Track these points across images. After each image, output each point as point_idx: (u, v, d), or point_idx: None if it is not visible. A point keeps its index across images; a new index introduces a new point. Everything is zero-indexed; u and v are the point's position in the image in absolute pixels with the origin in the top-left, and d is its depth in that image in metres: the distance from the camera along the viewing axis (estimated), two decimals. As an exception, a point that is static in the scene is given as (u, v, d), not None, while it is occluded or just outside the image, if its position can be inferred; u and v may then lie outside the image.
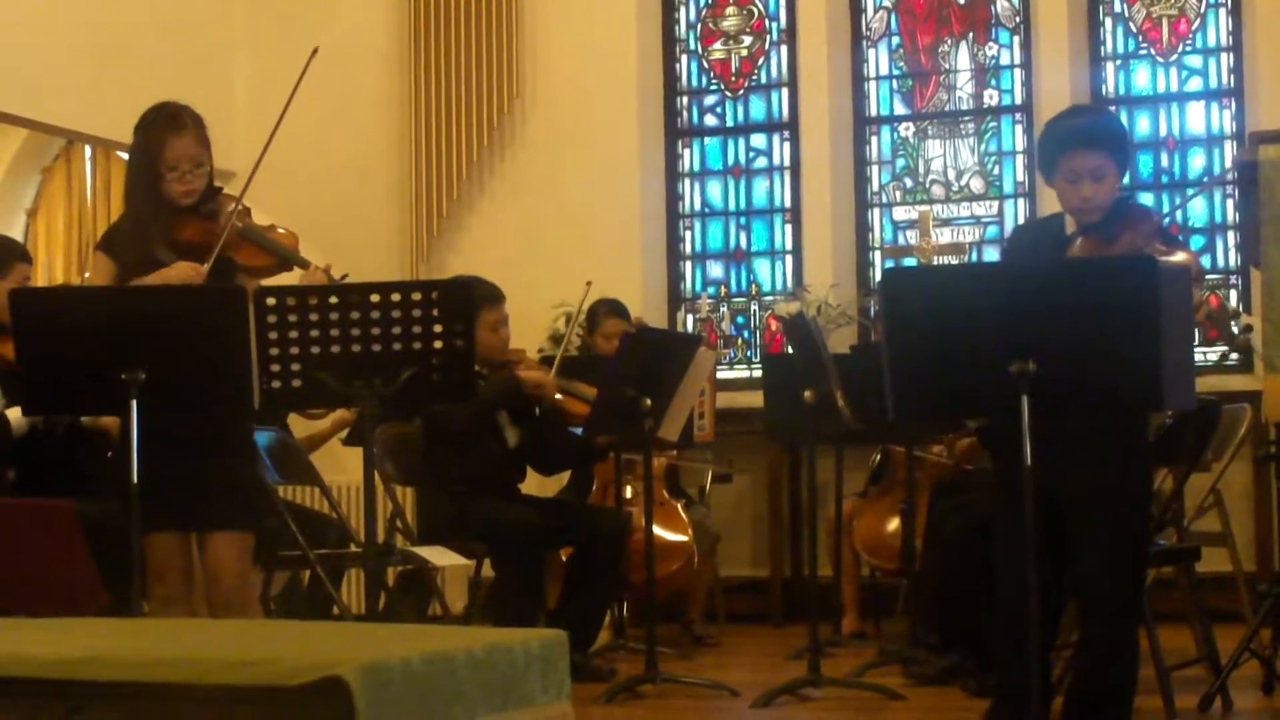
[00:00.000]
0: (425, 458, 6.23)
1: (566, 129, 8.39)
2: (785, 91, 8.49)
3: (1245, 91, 7.79)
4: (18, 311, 4.25)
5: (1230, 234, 7.80)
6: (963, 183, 8.28)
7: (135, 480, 4.14)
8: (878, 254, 8.29)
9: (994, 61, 8.25)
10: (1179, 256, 4.05)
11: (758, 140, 8.55)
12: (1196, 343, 7.50)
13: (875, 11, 8.39)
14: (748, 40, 8.58)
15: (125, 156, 9.33)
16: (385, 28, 8.62)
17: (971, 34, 8.28)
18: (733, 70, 8.59)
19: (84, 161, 10.26)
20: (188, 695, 2.58)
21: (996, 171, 8.23)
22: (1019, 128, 8.18)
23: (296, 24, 8.66)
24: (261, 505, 4.98)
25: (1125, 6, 8.06)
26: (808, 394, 5.45)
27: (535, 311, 7.80)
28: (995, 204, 8.22)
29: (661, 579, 6.42)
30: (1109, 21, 8.08)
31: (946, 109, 8.32)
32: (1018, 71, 8.20)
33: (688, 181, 8.61)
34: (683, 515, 6.99)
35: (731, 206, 8.57)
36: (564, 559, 6.44)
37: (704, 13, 8.63)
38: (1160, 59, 8.01)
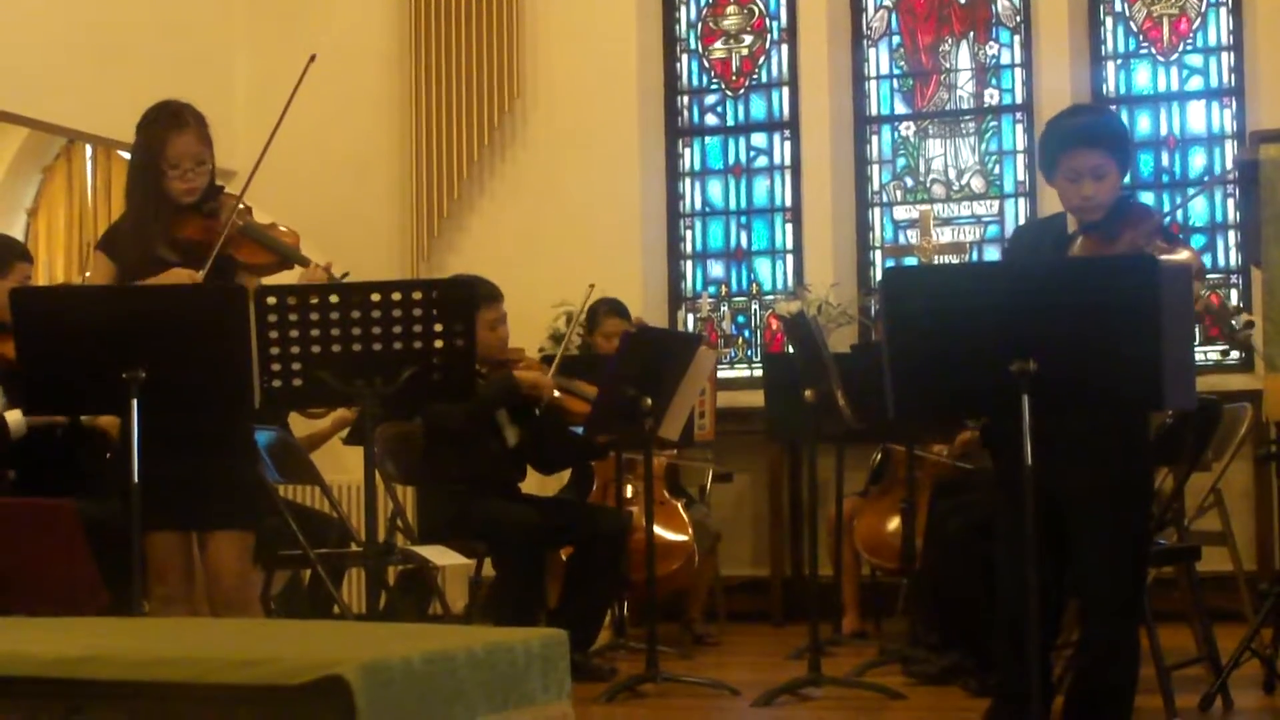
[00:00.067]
0: (425, 457, 6.23)
1: (567, 128, 8.40)
2: (786, 91, 8.49)
3: (1246, 91, 7.79)
4: (18, 310, 4.25)
5: (1231, 233, 7.80)
6: (963, 182, 8.28)
7: (136, 479, 4.13)
8: (878, 253, 8.29)
9: (995, 61, 8.25)
10: (1181, 255, 4.05)
11: (758, 139, 8.55)
12: (1197, 342, 7.53)
13: (876, 11, 8.39)
14: (748, 39, 8.58)
15: (126, 156, 9.35)
16: (385, 27, 8.62)
17: (972, 33, 8.28)
18: (733, 69, 8.59)
19: (84, 161, 10.26)
20: (188, 695, 2.58)
21: (997, 171, 8.23)
22: (1019, 127, 8.18)
23: (297, 23, 8.67)
24: (262, 504, 4.99)
25: (1126, 6, 8.06)
26: (808, 393, 5.45)
27: (536, 311, 7.80)
28: (996, 203, 8.22)
29: (662, 578, 6.42)
30: (1110, 21, 8.08)
31: (947, 108, 8.32)
32: (1018, 71, 8.20)
33: (688, 181, 8.61)
34: (683, 514, 6.99)
35: (732, 206, 8.57)
36: (564, 558, 6.44)
37: (704, 12, 8.63)
38: (1161, 58, 8.01)
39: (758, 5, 8.56)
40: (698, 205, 8.60)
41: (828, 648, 6.17)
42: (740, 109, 8.59)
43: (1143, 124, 7.95)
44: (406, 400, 5.06)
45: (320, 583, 6.02)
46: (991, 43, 8.25)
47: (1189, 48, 7.98)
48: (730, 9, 8.59)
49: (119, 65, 7.71)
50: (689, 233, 8.61)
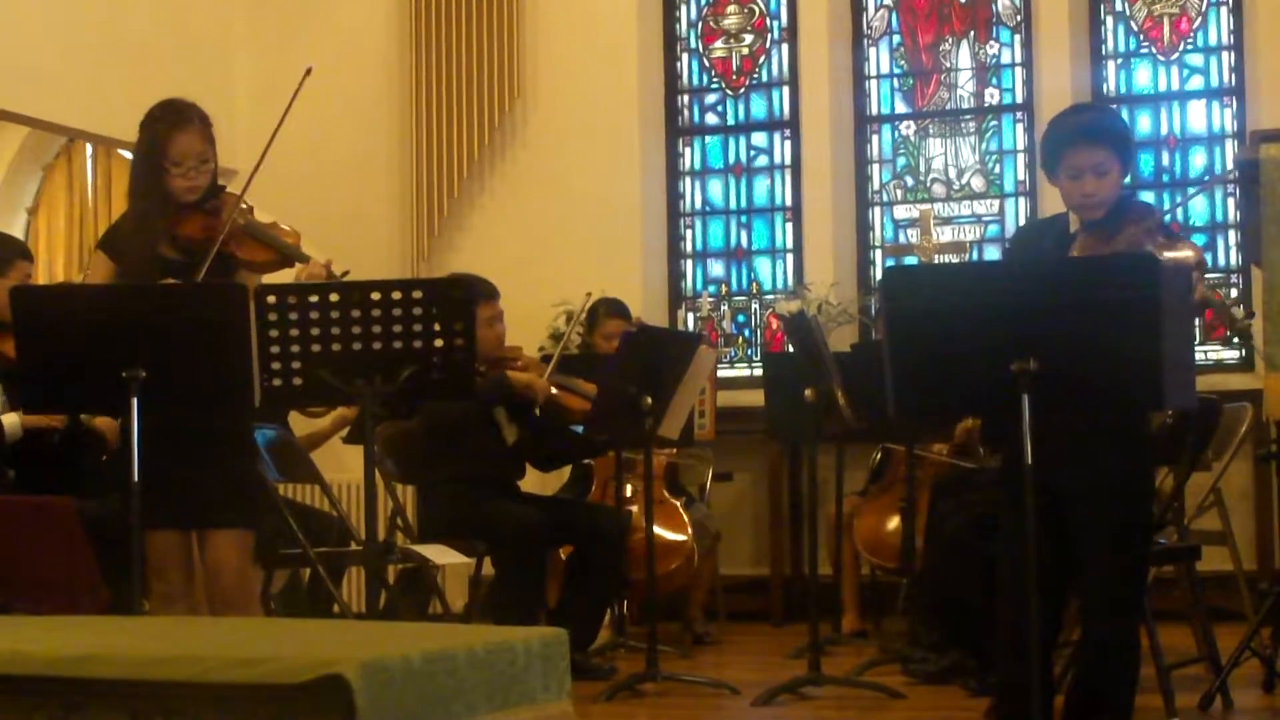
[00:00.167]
0: (424, 455, 6.23)
1: (567, 128, 8.39)
2: (786, 90, 8.49)
3: (1246, 90, 7.79)
4: (19, 309, 4.25)
5: (1231, 233, 7.80)
6: (963, 181, 8.27)
7: (136, 478, 4.13)
8: (878, 252, 8.28)
9: (995, 60, 8.25)
10: (1183, 252, 4.05)
11: (759, 139, 8.55)
12: (1198, 341, 7.53)
13: (876, 10, 8.39)
14: (749, 39, 8.58)
15: (126, 155, 9.37)
16: (386, 27, 8.62)
17: (973, 32, 8.28)
18: (734, 69, 8.59)
19: (85, 159, 10.25)
20: (188, 693, 2.58)
21: (997, 170, 8.23)
22: (1020, 126, 8.18)
23: (297, 22, 8.67)
24: (262, 503, 4.98)
25: (1126, 5, 8.05)
26: (808, 392, 5.45)
27: (536, 310, 7.80)
28: (996, 203, 8.22)
29: (661, 577, 6.41)
30: (1110, 20, 8.08)
31: (947, 108, 8.31)
32: (1019, 70, 8.19)
33: (689, 180, 8.61)
34: (682, 514, 6.99)
35: (732, 205, 8.56)
36: (564, 557, 6.44)
37: (705, 11, 8.63)
38: (1161, 58, 8.00)
39: (758, 4, 8.55)
40: (698, 204, 8.60)
41: (827, 647, 6.17)
42: (740, 108, 8.59)
43: (1143, 123, 7.95)
44: (405, 399, 5.06)
45: (320, 582, 6.02)
46: (992, 42, 8.25)
47: (1189, 47, 7.97)
48: (730, 8, 8.59)
49: (119, 64, 7.71)
50: (689, 232, 8.61)
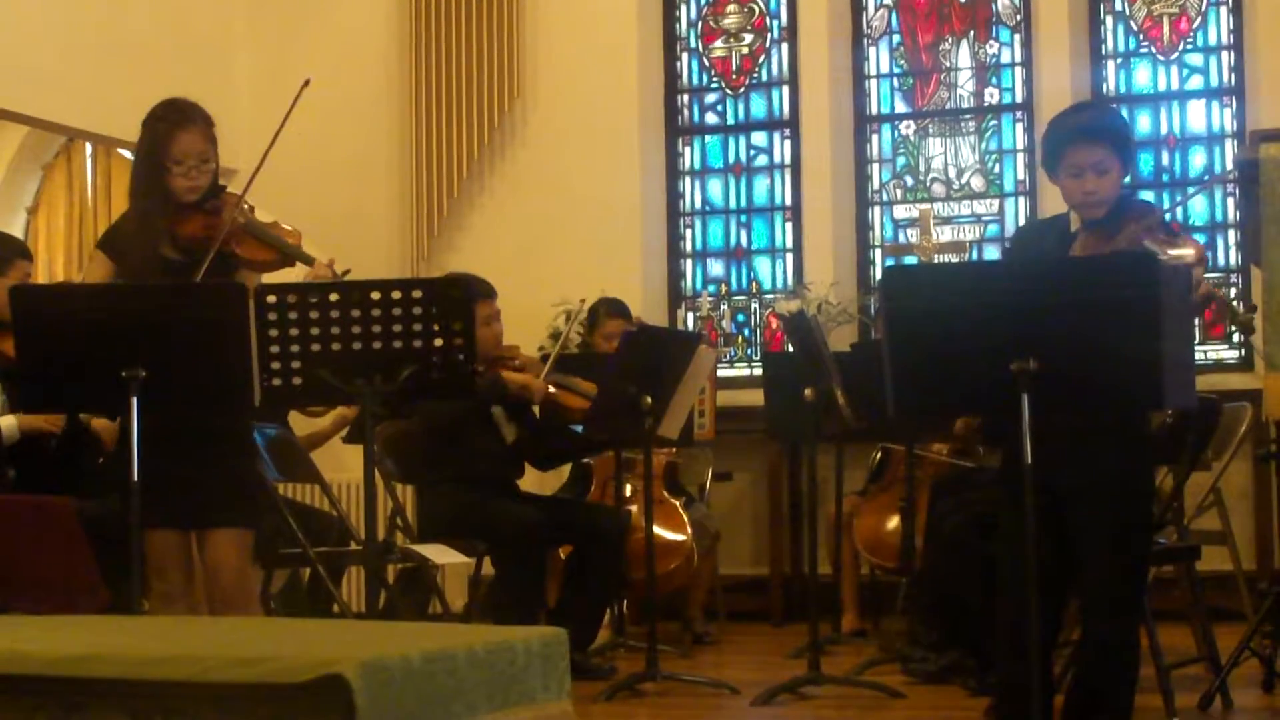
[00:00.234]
0: (423, 455, 6.23)
1: (567, 127, 8.39)
2: (786, 89, 8.49)
3: (1246, 90, 7.79)
4: (19, 308, 4.25)
5: (1231, 232, 7.80)
6: (963, 181, 8.27)
7: (136, 478, 4.13)
8: (878, 252, 8.28)
9: (995, 60, 8.25)
10: (1184, 250, 4.06)
11: (758, 138, 8.55)
12: (1198, 340, 7.52)
13: (876, 9, 8.39)
14: (748, 38, 8.58)
15: (126, 154, 9.37)
16: (386, 27, 8.62)
17: (972, 32, 8.28)
18: (733, 68, 8.59)
19: (85, 159, 10.25)
20: (188, 693, 2.58)
21: (997, 170, 8.23)
22: (1020, 126, 8.18)
23: (297, 22, 8.67)
24: (261, 503, 4.99)
25: (1126, 5, 8.05)
26: (808, 392, 5.45)
27: (536, 309, 7.80)
28: (996, 202, 8.22)
29: (661, 577, 6.42)
30: (1110, 20, 8.07)
31: (947, 107, 8.31)
32: (1018, 70, 8.19)
33: (688, 179, 8.61)
34: (681, 514, 6.99)
35: (732, 204, 8.56)
36: (563, 557, 6.44)
37: (705, 10, 8.63)
38: (1161, 57, 8.00)
39: (758, 4, 8.55)
40: (698, 204, 8.60)
41: (827, 646, 6.17)
42: (740, 108, 8.58)
43: (1143, 123, 7.95)
44: (404, 398, 5.06)
45: (320, 581, 6.02)
46: (992, 41, 8.25)
47: (1189, 47, 7.97)
48: (730, 8, 8.59)
49: (119, 64, 7.71)
50: (689, 231, 8.60)
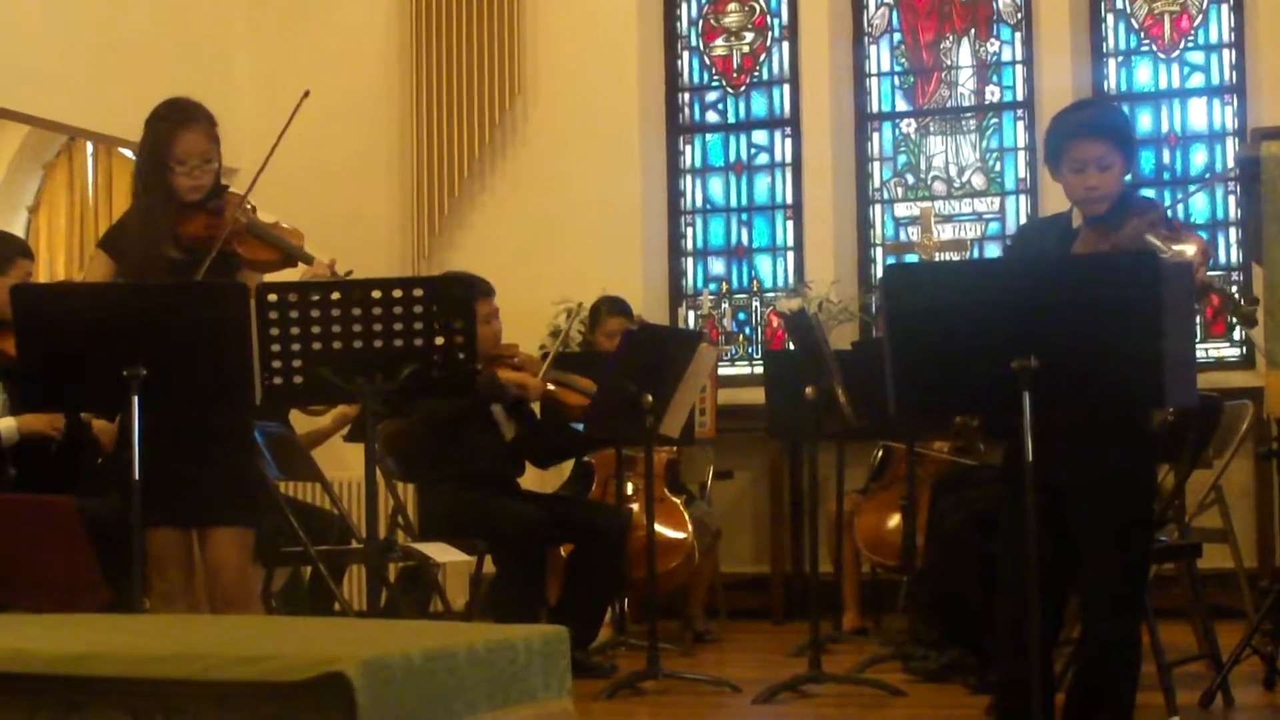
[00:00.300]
0: (424, 453, 6.23)
1: (568, 125, 8.39)
2: (787, 88, 8.49)
3: (1247, 87, 7.79)
4: (19, 307, 4.26)
5: (1232, 230, 7.80)
6: (964, 179, 8.27)
7: (137, 476, 4.13)
8: (879, 250, 8.28)
9: (996, 58, 8.25)
10: (1186, 246, 4.06)
11: (759, 136, 8.55)
12: (1199, 338, 7.52)
13: (877, 8, 8.39)
14: (749, 36, 8.57)
15: (127, 153, 9.37)
16: (386, 25, 8.62)
17: (973, 30, 8.28)
18: (734, 66, 8.59)
19: (85, 158, 10.26)
20: (189, 691, 2.58)
21: (998, 168, 8.22)
22: (1020, 124, 8.18)
23: (297, 22, 8.67)
24: (262, 501, 4.99)
25: (1127, 3, 8.05)
26: (809, 390, 5.45)
27: (537, 308, 7.80)
28: (997, 200, 8.22)
29: (662, 575, 6.42)
30: (1111, 18, 8.07)
31: (948, 105, 8.31)
32: (1019, 68, 8.19)
33: (689, 178, 8.61)
34: (683, 512, 6.99)
35: (733, 203, 8.56)
36: (564, 555, 6.44)
37: (706, 9, 8.63)
38: (1162, 55, 8.00)
39: (759, 2, 8.55)
40: (699, 202, 8.60)
41: (828, 644, 6.17)
42: (741, 106, 8.58)
43: (1144, 121, 7.94)
44: (405, 397, 5.06)
45: (321, 580, 6.03)
46: (993, 40, 8.25)
47: (1190, 45, 7.97)
48: (731, 6, 8.59)
49: (119, 63, 7.71)
50: (690, 230, 8.60)
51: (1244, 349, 7.63)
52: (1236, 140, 7.77)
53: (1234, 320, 6.82)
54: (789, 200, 8.45)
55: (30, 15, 7.46)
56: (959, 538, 5.36)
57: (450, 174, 8.47)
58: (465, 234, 8.50)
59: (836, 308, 7.96)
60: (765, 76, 8.55)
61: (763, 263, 8.51)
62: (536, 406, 6.42)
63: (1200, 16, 7.95)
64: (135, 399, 4.11)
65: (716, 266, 8.58)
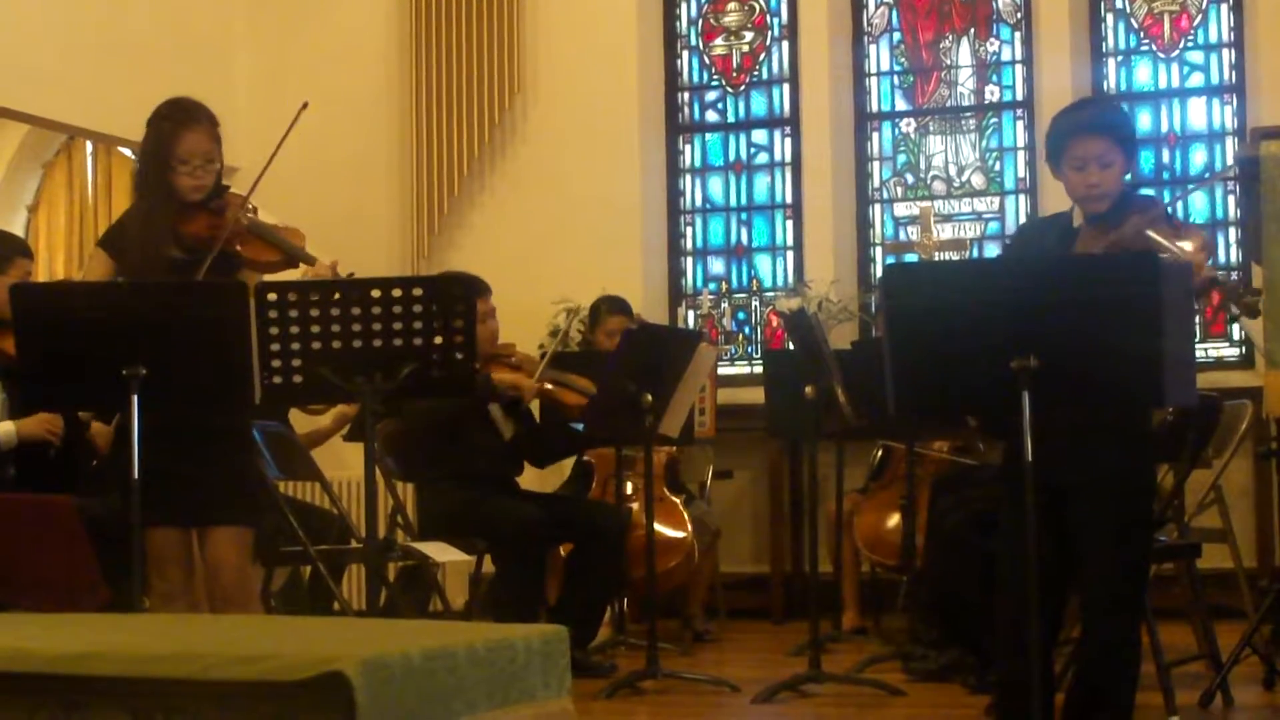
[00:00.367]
0: (424, 453, 6.23)
1: (568, 125, 8.39)
2: (786, 87, 8.49)
3: (1247, 87, 7.79)
4: (19, 307, 4.26)
5: (1231, 230, 7.80)
6: (964, 179, 8.27)
7: (137, 475, 4.13)
8: (879, 250, 8.28)
9: (995, 57, 8.25)
10: (1191, 241, 4.07)
11: (759, 136, 8.55)
12: (1199, 338, 7.52)
13: (876, 7, 8.39)
14: (749, 36, 8.57)
15: (127, 153, 9.37)
16: (386, 24, 8.61)
17: (973, 30, 8.28)
18: (734, 66, 8.59)
19: (85, 157, 10.25)
20: (188, 691, 2.58)
21: (998, 167, 8.23)
22: (1020, 124, 8.18)
23: (297, 22, 8.67)
24: (262, 501, 4.99)
25: (1127, 2, 8.05)
26: (809, 390, 5.45)
27: (537, 307, 7.80)
28: (996, 200, 8.22)
29: (661, 575, 6.42)
30: (1110, 17, 8.07)
31: (948, 105, 8.31)
32: (1019, 67, 8.19)
33: (689, 177, 8.61)
34: (682, 511, 6.99)
35: (733, 202, 8.56)
36: (564, 555, 6.44)
37: (705, 8, 8.63)
38: (1162, 55, 8.00)
39: (758, 2, 8.55)
40: (698, 202, 8.60)
41: (828, 644, 6.18)
42: (741, 105, 8.58)
43: (1143, 121, 7.94)
44: (405, 396, 5.06)
45: (320, 579, 6.02)
46: (992, 39, 8.25)
47: (1190, 44, 7.97)
48: (731, 6, 8.59)
49: (119, 63, 7.71)
50: (689, 229, 8.60)
51: (1243, 349, 7.63)
52: (1236, 140, 7.77)
53: (1236, 311, 6.82)
54: (788, 200, 8.45)
55: (30, 15, 7.46)
56: (959, 537, 5.36)
57: (450, 174, 8.47)
58: (465, 234, 8.50)
59: (836, 307, 7.96)
60: (765, 76, 8.55)
61: (762, 262, 8.51)
62: (536, 406, 6.42)
63: (1200, 16, 7.95)
64: (135, 398, 4.11)
65: (716, 266, 8.58)
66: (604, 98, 8.35)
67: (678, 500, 7.06)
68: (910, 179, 8.35)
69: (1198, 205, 7.85)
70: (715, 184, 8.60)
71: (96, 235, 6.54)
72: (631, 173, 8.37)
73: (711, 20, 8.62)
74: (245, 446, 4.70)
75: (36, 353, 4.22)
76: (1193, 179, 7.87)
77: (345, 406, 6.50)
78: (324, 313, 4.25)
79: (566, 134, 8.38)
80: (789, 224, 8.44)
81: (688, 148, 8.62)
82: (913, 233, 8.07)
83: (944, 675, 5.58)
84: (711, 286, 8.54)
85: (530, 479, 6.65)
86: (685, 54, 8.64)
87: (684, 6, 8.64)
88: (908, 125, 8.37)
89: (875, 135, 8.39)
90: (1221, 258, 7.78)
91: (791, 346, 6.19)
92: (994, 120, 8.24)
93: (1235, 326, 7.60)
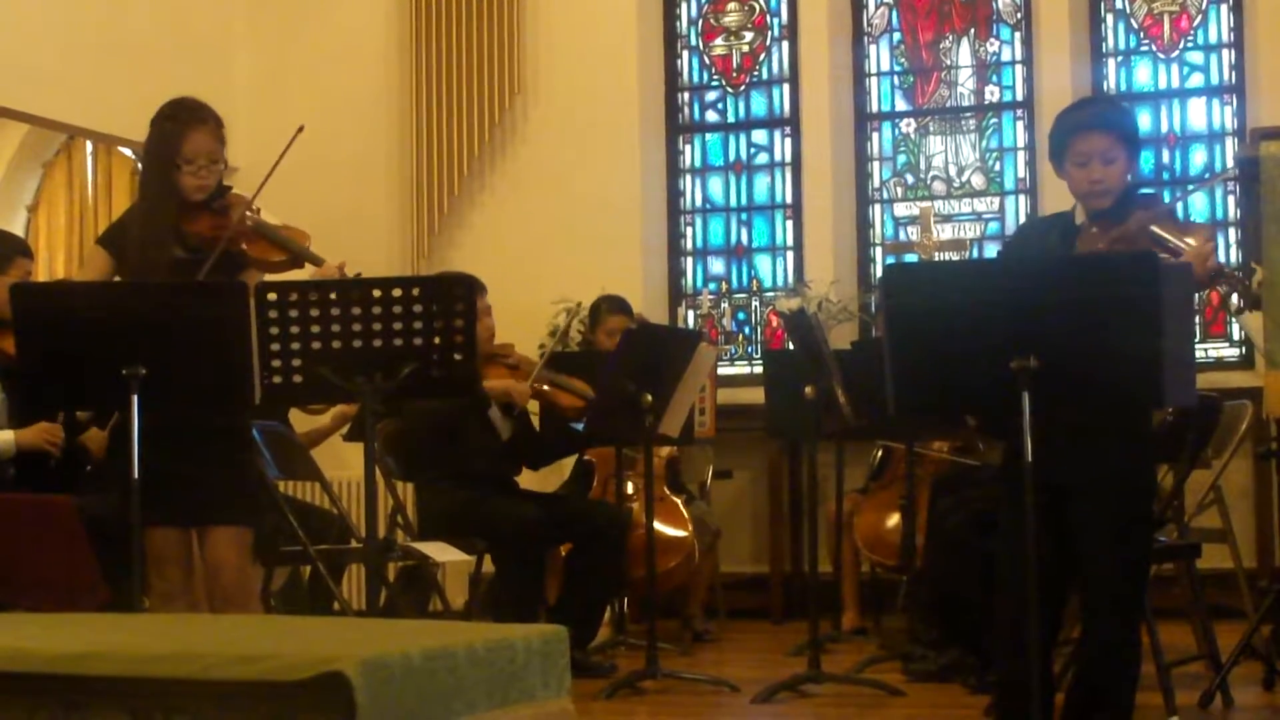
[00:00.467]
0: (423, 453, 6.23)
1: (568, 125, 8.39)
2: (786, 87, 8.49)
3: (1247, 87, 7.79)
4: (19, 307, 4.26)
5: (1231, 230, 7.80)
6: (964, 179, 8.27)
7: (136, 475, 4.13)
8: (879, 250, 8.29)
9: (995, 57, 8.25)
10: (1196, 235, 4.07)
11: (759, 136, 8.55)
12: (1198, 338, 7.53)
13: (877, 7, 8.39)
14: (749, 36, 8.57)
15: (127, 152, 9.37)
16: (386, 24, 8.61)
17: (973, 30, 8.28)
18: (734, 66, 8.59)
19: (85, 157, 10.26)
20: (188, 691, 2.58)
21: (998, 168, 8.23)
22: (1020, 124, 8.18)
23: (297, 22, 8.67)
24: (262, 501, 4.99)
25: (1127, 3, 8.05)
26: (808, 390, 5.45)
27: (536, 307, 7.80)
28: (996, 200, 8.22)
29: (661, 575, 6.42)
30: (1110, 18, 8.07)
31: (948, 105, 8.31)
32: (1019, 68, 8.19)
33: (689, 177, 8.61)
34: (683, 511, 6.99)
35: (733, 202, 8.56)
36: (564, 555, 6.44)
37: (705, 9, 8.63)
38: (1161, 55, 8.00)
39: (758, 2, 8.55)
40: (698, 202, 8.60)
41: (827, 644, 6.18)
42: (741, 105, 8.58)
43: (1143, 121, 7.93)
44: (405, 396, 5.06)
45: (320, 579, 6.02)
46: (992, 39, 8.25)
47: (1190, 45, 7.97)
48: (731, 6, 8.59)
49: (119, 63, 7.71)
50: (689, 229, 8.60)
51: (1243, 349, 7.63)
52: (1236, 140, 7.77)
53: (1240, 304, 6.83)
54: (788, 200, 8.45)
55: (30, 15, 7.46)
56: (959, 538, 5.35)
57: (450, 173, 8.47)
58: (465, 233, 8.50)
59: (836, 307, 7.96)
60: (765, 76, 8.55)
61: (762, 262, 8.51)
62: (534, 405, 6.41)
63: (1200, 16, 7.95)
64: (135, 398, 4.11)
65: (716, 266, 8.58)
66: (604, 98, 8.35)
67: (679, 500, 7.06)
68: (910, 179, 8.35)
69: (1197, 206, 7.85)
70: (715, 184, 8.60)
71: (96, 235, 6.53)
72: (631, 173, 8.37)
73: (711, 20, 8.62)
74: (245, 446, 4.70)
75: (36, 352, 4.22)
76: (1193, 180, 7.88)
77: (345, 406, 6.50)
78: (324, 313, 4.25)
79: (566, 134, 8.38)
80: (789, 224, 8.44)
81: (688, 148, 8.62)
82: (913, 233, 8.07)
83: (944, 675, 5.58)
84: (711, 286, 8.54)
85: (530, 479, 6.65)
86: (685, 54, 8.64)
87: (684, 6, 8.64)
88: (908, 125, 8.37)
89: (875, 135, 8.40)
90: (1221, 258, 7.77)
91: (791, 346, 6.18)
92: (994, 120, 8.25)
93: (1235, 326, 7.60)
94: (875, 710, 5.28)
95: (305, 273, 4.64)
